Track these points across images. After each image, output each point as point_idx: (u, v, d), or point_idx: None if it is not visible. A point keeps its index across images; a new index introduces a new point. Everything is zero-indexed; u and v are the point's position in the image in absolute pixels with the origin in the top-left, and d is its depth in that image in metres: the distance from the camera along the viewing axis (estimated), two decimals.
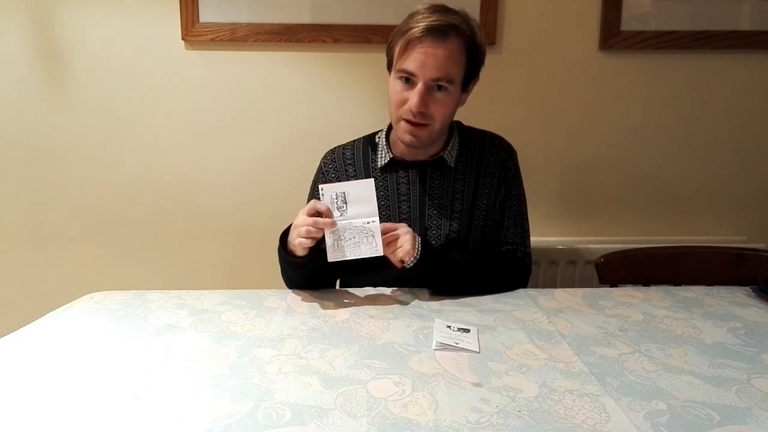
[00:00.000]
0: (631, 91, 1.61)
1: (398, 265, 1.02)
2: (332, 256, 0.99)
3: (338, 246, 0.99)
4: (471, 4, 1.50)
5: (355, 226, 0.99)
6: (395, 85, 1.07)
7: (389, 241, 1.01)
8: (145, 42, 1.57)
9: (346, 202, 0.99)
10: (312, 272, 1.07)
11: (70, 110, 1.61)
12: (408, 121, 1.07)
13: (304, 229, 0.98)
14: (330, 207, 0.99)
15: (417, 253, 1.01)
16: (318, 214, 0.99)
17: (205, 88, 1.60)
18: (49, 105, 1.61)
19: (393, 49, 1.07)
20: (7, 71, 1.59)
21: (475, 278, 1.08)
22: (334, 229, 0.98)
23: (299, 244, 1.00)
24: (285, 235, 1.07)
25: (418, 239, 1.03)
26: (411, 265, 1.01)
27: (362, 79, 1.59)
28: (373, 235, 0.98)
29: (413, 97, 1.03)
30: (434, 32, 1.01)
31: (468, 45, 1.05)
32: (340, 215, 0.99)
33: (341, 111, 1.61)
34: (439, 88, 1.04)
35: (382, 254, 0.99)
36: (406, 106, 1.05)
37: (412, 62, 1.03)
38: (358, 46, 1.56)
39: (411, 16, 1.05)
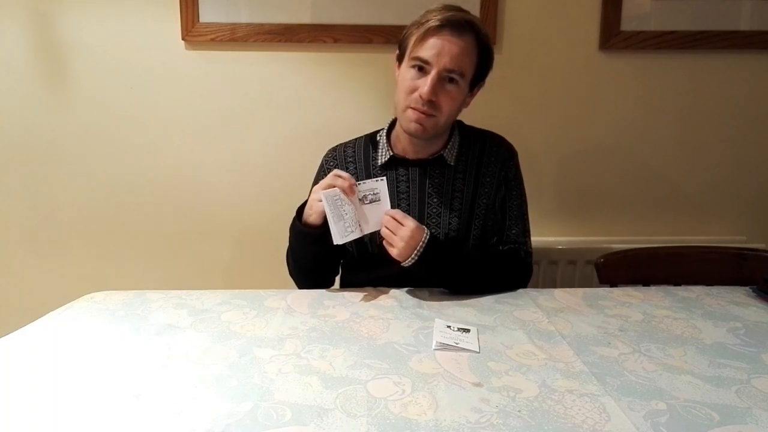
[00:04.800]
0: (631, 91, 1.61)
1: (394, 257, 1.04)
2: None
3: (335, 207, 1.03)
4: (471, 4, 1.50)
5: (357, 211, 1.05)
6: (407, 73, 1.08)
7: (389, 235, 1.04)
8: (145, 42, 1.57)
9: (372, 201, 1.05)
10: (321, 248, 1.09)
11: (70, 110, 1.61)
12: (415, 109, 1.08)
13: (329, 179, 1.05)
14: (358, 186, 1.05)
15: (416, 255, 1.01)
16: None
17: (205, 88, 1.60)
18: (49, 105, 1.61)
19: (408, 39, 1.09)
20: (7, 71, 1.59)
21: (479, 276, 1.08)
22: (350, 194, 1.04)
23: (316, 200, 1.05)
24: (300, 211, 1.12)
25: (424, 238, 1.02)
26: (409, 264, 1.02)
27: (362, 79, 1.59)
28: (359, 225, 1.05)
29: (425, 83, 1.05)
30: (453, 24, 1.04)
31: (481, 44, 1.08)
32: (359, 199, 1.05)
33: (341, 111, 1.61)
34: (451, 80, 1.06)
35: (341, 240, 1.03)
36: (416, 93, 1.06)
37: (428, 50, 1.04)
38: (358, 46, 1.56)
39: (427, 12, 1.07)
